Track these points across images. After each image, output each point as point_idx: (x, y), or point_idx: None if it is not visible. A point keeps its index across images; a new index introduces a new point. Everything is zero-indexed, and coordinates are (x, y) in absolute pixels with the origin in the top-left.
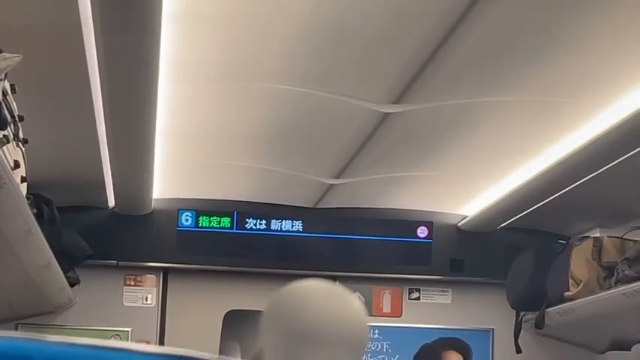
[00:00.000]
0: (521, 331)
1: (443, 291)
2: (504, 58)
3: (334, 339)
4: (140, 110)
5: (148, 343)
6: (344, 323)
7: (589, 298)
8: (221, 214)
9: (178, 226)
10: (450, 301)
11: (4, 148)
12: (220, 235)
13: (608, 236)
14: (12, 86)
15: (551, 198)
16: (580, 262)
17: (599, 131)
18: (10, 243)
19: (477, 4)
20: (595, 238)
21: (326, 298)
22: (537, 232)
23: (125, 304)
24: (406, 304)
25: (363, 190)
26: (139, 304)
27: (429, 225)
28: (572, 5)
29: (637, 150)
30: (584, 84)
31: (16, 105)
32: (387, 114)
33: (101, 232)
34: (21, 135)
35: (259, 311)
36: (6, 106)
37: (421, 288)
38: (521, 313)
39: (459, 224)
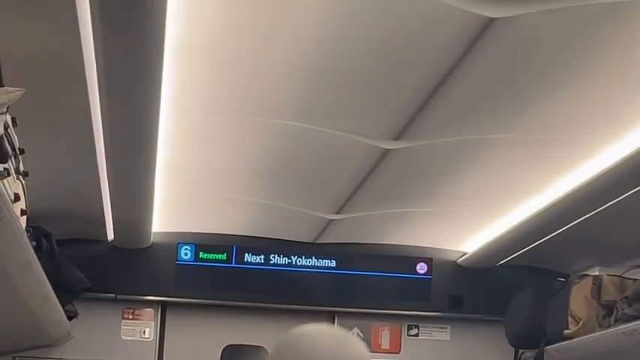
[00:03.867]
0: None
1: (442, 327)
2: (504, 96)
3: None
4: (140, 144)
5: None
6: None
7: (588, 336)
8: (220, 249)
9: (177, 260)
10: (448, 338)
11: (5, 181)
12: (219, 270)
13: (608, 274)
14: (13, 119)
15: (550, 236)
16: (579, 300)
17: (598, 170)
18: (8, 275)
19: (477, 44)
20: (594, 276)
21: (329, 341)
22: (536, 270)
23: (123, 337)
24: (405, 340)
25: (363, 225)
26: (136, 337)
27: (428, 261)
28: (572, 44)
29: (636, 189)
30: (583, 123)
31: (17, 138)
32: (388, 150)
33: (100, 265)
34: (21, 168)
35: (257, 346)
36: (7, 139)
37: (420, 324)
38: (520, 351)
39: (459, 261)
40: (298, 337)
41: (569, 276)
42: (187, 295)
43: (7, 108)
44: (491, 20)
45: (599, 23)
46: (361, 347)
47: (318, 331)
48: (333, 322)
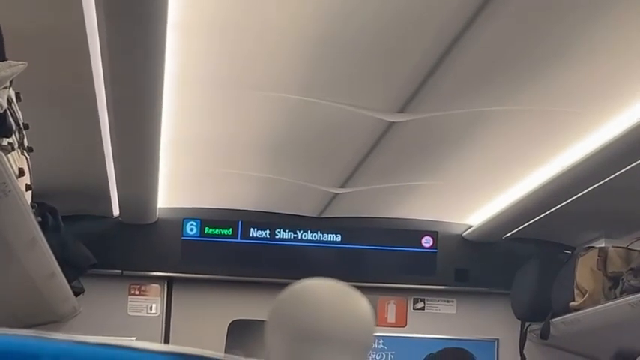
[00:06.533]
0: (527, 342)
1: (448, 301)
2: (509, 67)
3: (338, 337)
4: (145, 119)
5: None
6: (349, 322)
7: (594, 308)
8: (225, 224)
9: (183, 236)
10: (454, 311)
11: (9, 155)
12: (225, 245)
13: (614, 246)
14: (17, 94)
15: (556, 208)
16: (585, 272)
17: (603, 141)
18: (14, 252)
19: (482, 14)
20: (600, 248)
21: (331, 295)
22: (542, 242)
23: (129, 313)
24: (411, 313)
25: (368, 199)
26: (143, 313)
27: (433, 235)
28: (578, 15)
29: None
30: (588, 94)
31: (22, 113)
32: (392, 123)
33: (106, 241)
34: (26, 143)
35: (264, 321)
36: (11, 113)
37: (426, 298)
38: (527, 323)
39: (464, 234)
40: (299, 291)
41: (574, 248)
42: (193, 271)
43: (11, 82)
44: None
45: None
46: (364, 302)
47: (321, 286)
48: None
